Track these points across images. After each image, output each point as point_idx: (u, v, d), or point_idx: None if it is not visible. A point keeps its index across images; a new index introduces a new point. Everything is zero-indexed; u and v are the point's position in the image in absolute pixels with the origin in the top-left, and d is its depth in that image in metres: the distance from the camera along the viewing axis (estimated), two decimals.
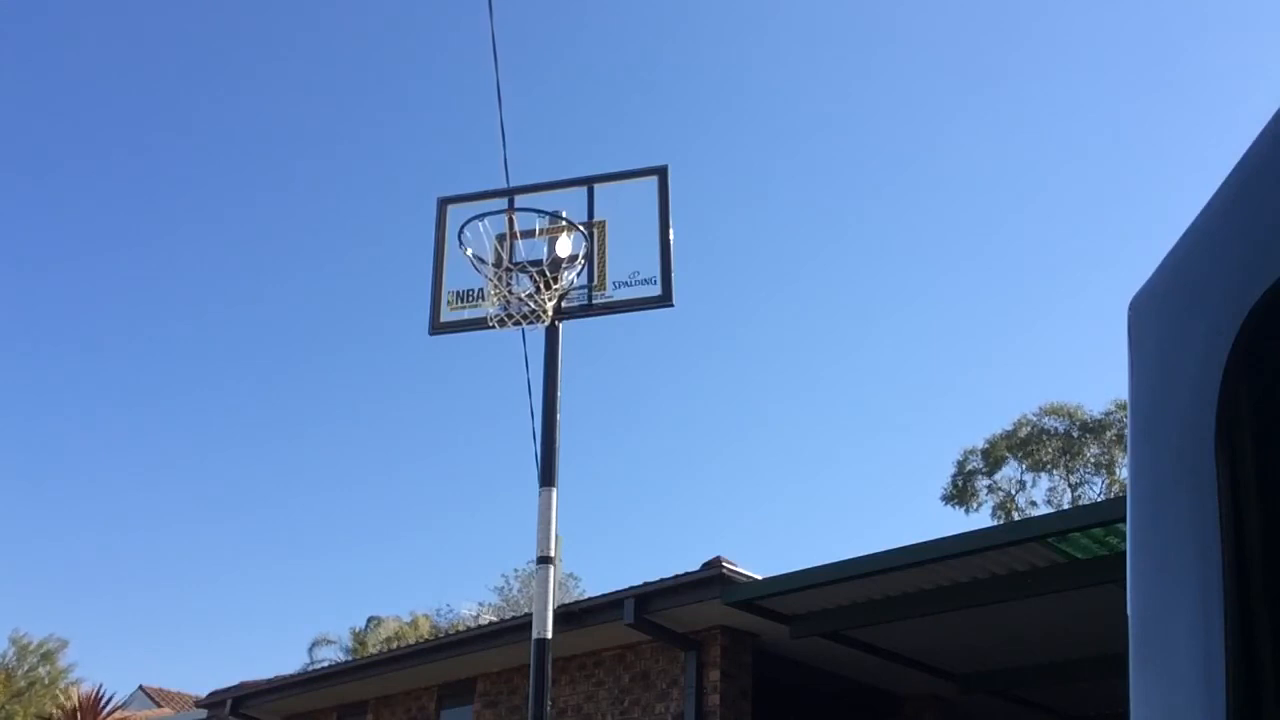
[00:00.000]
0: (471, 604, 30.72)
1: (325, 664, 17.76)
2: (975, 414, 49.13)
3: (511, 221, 7.86)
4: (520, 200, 8.00)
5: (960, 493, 32.59)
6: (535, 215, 7.77)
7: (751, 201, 46.42)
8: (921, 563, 8.27)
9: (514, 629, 10.81)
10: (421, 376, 51.28)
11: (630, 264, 7.68)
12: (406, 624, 31.99)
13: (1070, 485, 32.08)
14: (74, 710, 15.93)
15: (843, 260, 49.57)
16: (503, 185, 8.13)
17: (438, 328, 7.90)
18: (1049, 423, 32.12)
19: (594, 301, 7.66)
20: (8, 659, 35.87)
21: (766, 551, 67.74)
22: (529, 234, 7.81)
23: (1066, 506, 29.14)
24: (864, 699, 11.64)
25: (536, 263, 7.57)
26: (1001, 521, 29.82)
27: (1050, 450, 31.82)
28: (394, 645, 24.55)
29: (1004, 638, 9.91)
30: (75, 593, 49.62)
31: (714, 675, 9.91)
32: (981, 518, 32.13)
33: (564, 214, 7.69)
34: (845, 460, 49.32)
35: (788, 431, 48.69)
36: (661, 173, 7.86)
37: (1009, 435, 32.23)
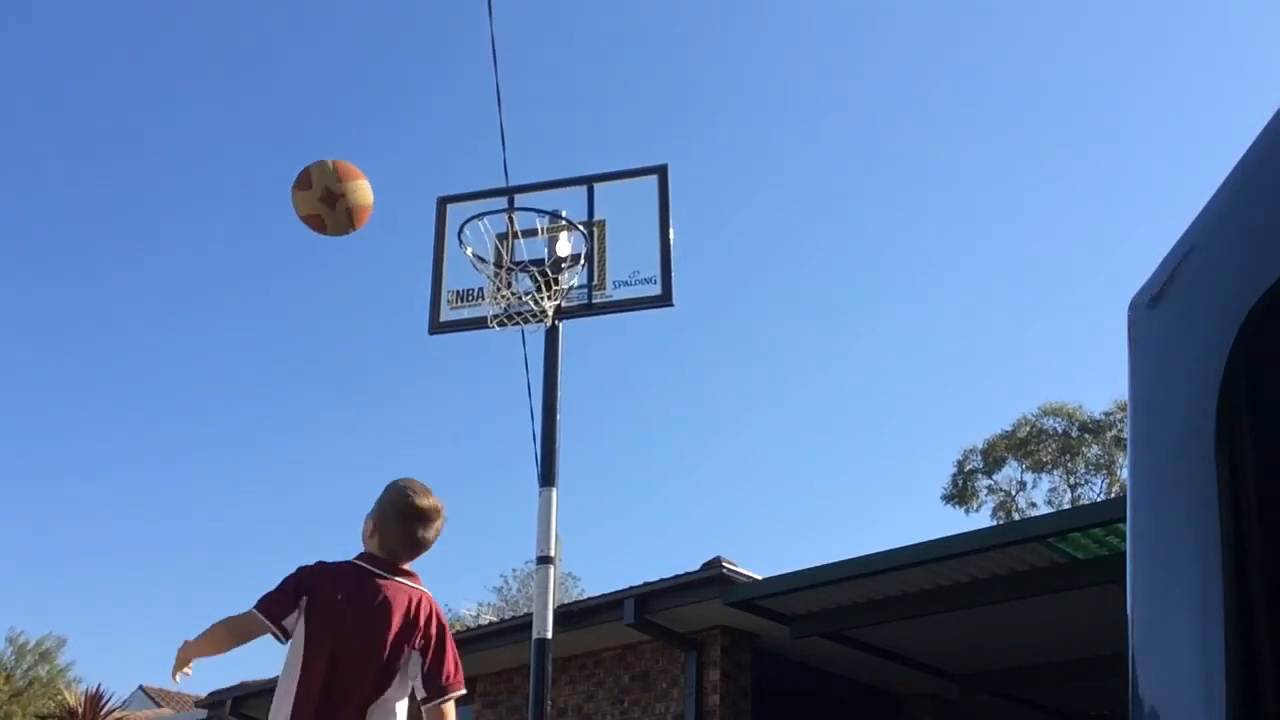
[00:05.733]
0: (471, 604, 30.75)
1: None
2: (975, 414, 49.15)
3: (511, 221, 7.86)
4: (520, 199, 7.99)
5: (960, 493, 32.60)
6: (535, 215, 7.77)
7: (751, 200, 46.44)
8: (921, 563, 8.28)
9: (514, 629, 10.81)
10: (421, 376, 51.30)
11: (630, 263, 7.68)
12: None
13: (1070, 485, 32.09)
14: (74, 710, 15.95)
15: (843, 260, 49.61)
16: (502, 184, 8.12)
17: (437, 327, 7.90)
18: (1049, 423, 32.13)
19: (594, 301, 7.65)
20: (6, 659, 35.88)
21: (766, 551, 67.74)
22: (529, 233, 7.81)
23: (1066, 506, 29.14)
24: (864, 699, 11.64)
25: (537, 262, 7.57)
26: (1001, 521, 29.83)
27: (1050, 450, 31.82)
28: None
29: (1004, 638, 9.92)
30: (74, 592, 49.67)
31: (714, 675, 9.91)
32: (981, 518, 32.17)
33: (564, 213, 7.68)
34: (845, 460, 49.33)
35: (788, 431, 48.71)
36: (661, 172, 7.85)
37: (1009, 435, 32.24)
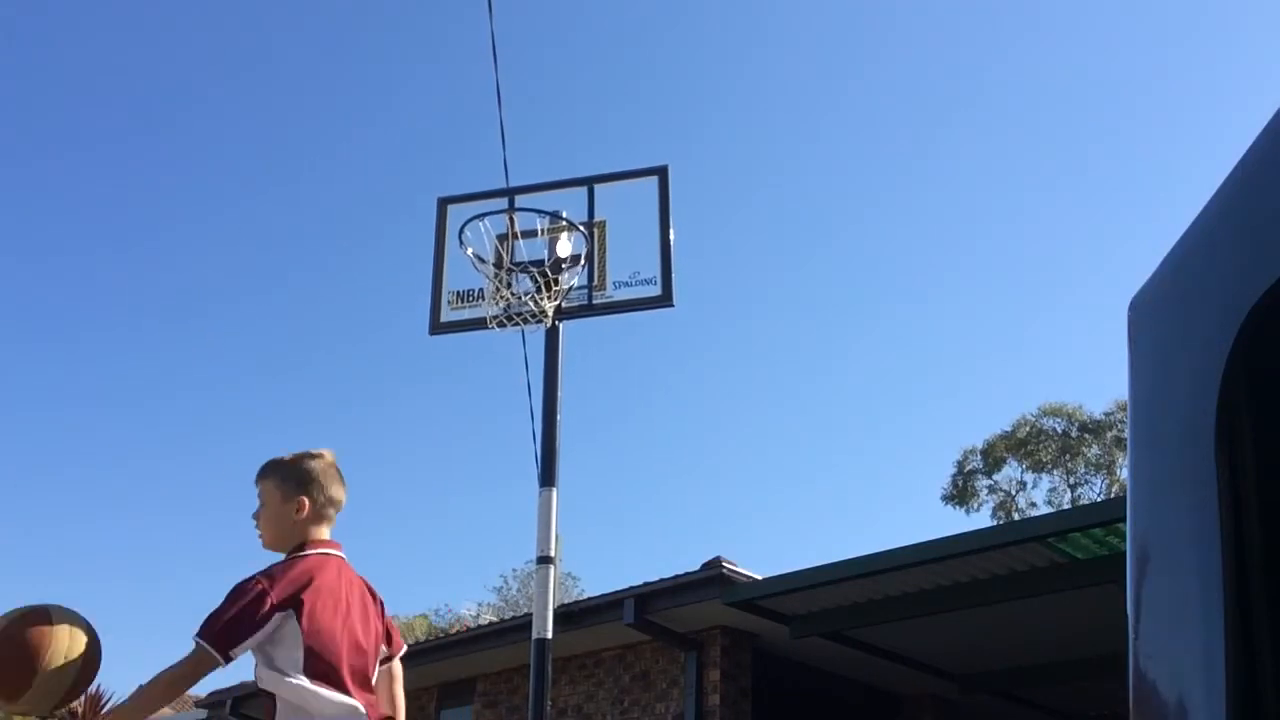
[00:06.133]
0: (471, 604, 30.77)
1: None
2: (975, 414, 49.15)
3: (512, 221, 7.86)
4: (520, 200, 8.00)
5: (960, 493, 32.60)
6: (536, 215, 7.77)
7: (751, 201, 46.45)
8: (921, 563, 8.28)
9: (514, 629, 10.81)
10: (421, 376, 51.30)
11: (630, 264, 7.69)
12: (405, 623, 31.98)
13: (1070, 485, 32.09)
14: (74, 710, 15.94)
15: (843, 260, 49.62)
16: (503, 185, 8.13)
17: (438, 328, 7.90)
18: (1049, 423, 32.14)
19: (594, 302, 7.66)
20: None
21: (766, 551, 67.74)
22: (530, 234, 7.81)
23: (1066, 506, 29.14)
24: (864, 699, 11.64)
25: (537, 263, 7.57)
26: (1001, 521, 29.82)
27: (1050, 451, 31.83)
28: None
29: (1004, 638, 9.92)
30: (74, 591, 49.60)
31: (714, 675, 9.91)
32: (981, 518, 32.17)
33: (564, 214, 7.69)
34: (845, 460, 49.33)
35: (788, 431, 48.71)
36: (662, 173, 7.86)
37: (1008, 435, 32.24)
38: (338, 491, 3.22)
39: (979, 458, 32.69)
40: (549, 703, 6.93)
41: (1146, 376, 1.36)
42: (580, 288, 7.66)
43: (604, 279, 7.69)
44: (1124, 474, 27.62)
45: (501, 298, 7.58)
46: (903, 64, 46.60)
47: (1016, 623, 9.42)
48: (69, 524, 50.65)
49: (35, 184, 46.33)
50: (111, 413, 50.05)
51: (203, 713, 15.76)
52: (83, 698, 16.04)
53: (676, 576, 9.65)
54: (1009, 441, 32.18)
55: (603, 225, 7.84)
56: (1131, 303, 1.41)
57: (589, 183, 7.95)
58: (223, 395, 49.41)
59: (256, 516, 3.19)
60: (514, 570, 30.29)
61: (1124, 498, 1.71)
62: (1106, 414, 31.21)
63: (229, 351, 50.74)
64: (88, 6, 41.77)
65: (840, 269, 49.17)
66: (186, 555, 51.44)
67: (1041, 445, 31.89)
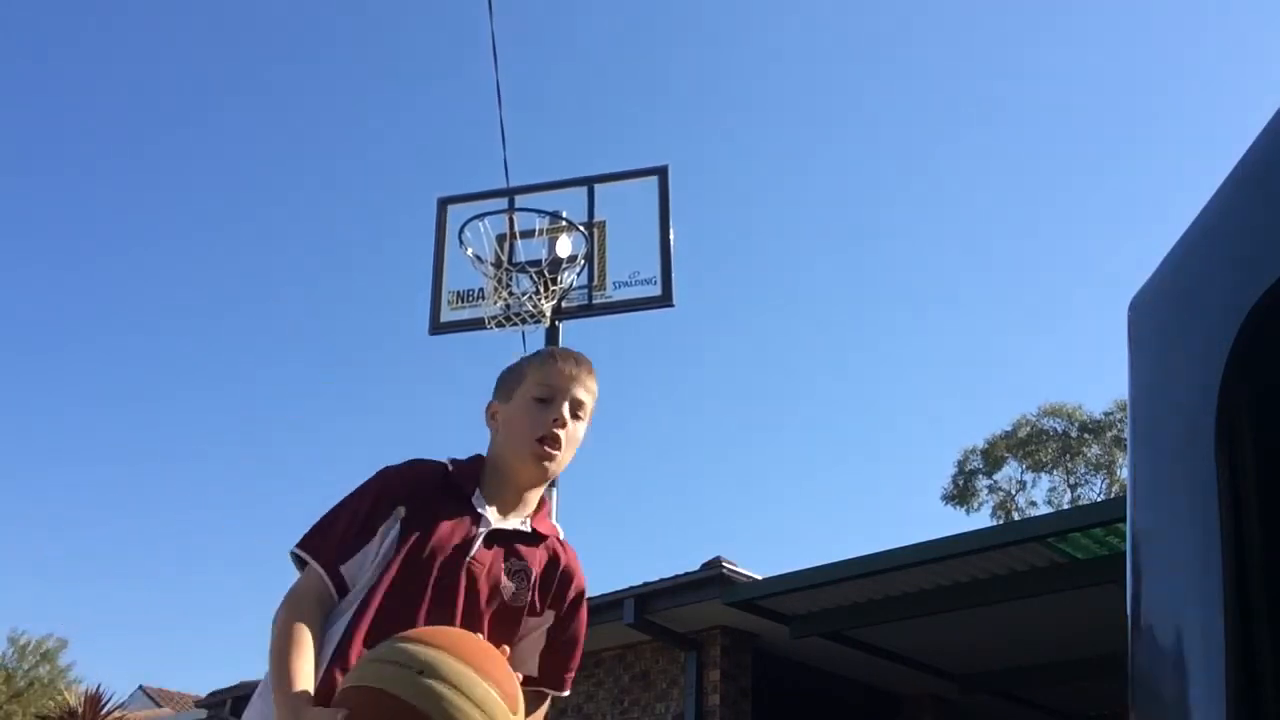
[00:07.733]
0: None
1: None
2: (975, 414, 49.14)
3: (511, 221, 7.87)
4: (520, 200, 8.00)
5: (960, 493, 32.59)
6: (535, 215, 7.78)
7: (753, 201, 46.45)
8: (921, 563, 8.28)
9: None
10: (421, 376, 51.30)
11: (630, 264, 7.70)
12: None
13: (1070, 485, 32.08)
14: (73, 710, 15.93)
15: (843, 261, 49.61)
16: (503, 185, 8.13)
17: (438, 328, 7.90)
18: (1049, 423, 32.13)
19: (594, 302, 7.66)
20: (7, 659, 35.89)
21: (766, 551, 67.75)
22: (529, 234, 7.82)
23: (1066, 506, 29.13)
24: (864, 699, 11.64)
25: (536, 263, 7.58)
26: (1001, 521, 29.82)
27: (1050, 451, 31.82)
28: None
29: (1004, 638, 9.91)
30: (75, 591, 49.67)
31: (714, 675, 9.91)
32: (981, 518, 32.15)
33: (564, 214, 7.69)
34: (846, 460, 49.33)
35: (788, 432, 48.71)
36: (662, 173, 7.86)
37: (1009, 435, 32.24)
38: None
39: (979, 458, 32.68)
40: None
41: (1146, 376, 1.36)
42: (580, 288, 7.66)
43: (604, 279, 7.69)
44: (1124, 474, 27.63)
45: (500, 298, 7.58)
46: (907, 65, 46.64)
47: (1016, 623, 9.42)
48: (68, 524, 50.67)
49: (37, 187, 46.36)
50: (112, 413, 50.10)
51: (202, 713, 15.76)
52: (82, 697, 16.00)
53: (676, 576, 9.64)
54: (1009, 441, 32.17)
55: (603, 225, 7.84)
56: (1131, 303, 1.41)
57: (589, 183, 7.96)
58: (222, 395, 49.42)
59: (572, 421, 2.25)
60: None
61: (1124, 498, 1.71)
62: (1106, 414, 31.20)
63: (229, 351, 50.75)
64: (93, 8, 41.81)
65: (840, 269, 49.20)
66: (186, 555, 51.42)
67: (1041, 445, 31.88)
